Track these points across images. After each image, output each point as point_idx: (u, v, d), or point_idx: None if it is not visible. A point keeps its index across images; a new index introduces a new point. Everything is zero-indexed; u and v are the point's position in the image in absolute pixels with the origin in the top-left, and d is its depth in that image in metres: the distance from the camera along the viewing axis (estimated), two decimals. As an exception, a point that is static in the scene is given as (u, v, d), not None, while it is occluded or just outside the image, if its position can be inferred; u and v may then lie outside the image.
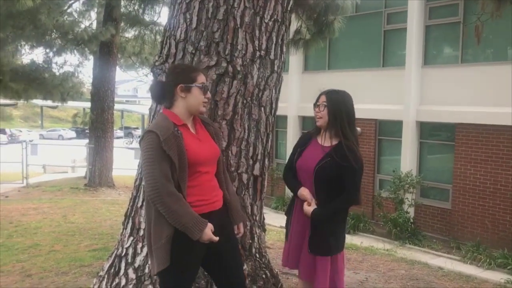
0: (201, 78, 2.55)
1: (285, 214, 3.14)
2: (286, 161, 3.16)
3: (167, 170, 2.34)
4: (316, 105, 2.94)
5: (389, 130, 12.27)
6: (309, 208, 2.84)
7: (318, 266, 2.87)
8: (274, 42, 3.49)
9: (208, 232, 2.39)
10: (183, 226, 2.33)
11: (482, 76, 10.16)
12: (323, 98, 2.90)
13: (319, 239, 2.86)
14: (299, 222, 2.97)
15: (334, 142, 2.88)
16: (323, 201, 2.84)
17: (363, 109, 12.04)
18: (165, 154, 2.34)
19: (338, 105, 2.86)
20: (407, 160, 11.44)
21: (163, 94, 2.57)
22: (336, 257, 2.93)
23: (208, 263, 2.63)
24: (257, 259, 3.59)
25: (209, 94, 2.59)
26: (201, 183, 2.51)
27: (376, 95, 12.11)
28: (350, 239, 8.98)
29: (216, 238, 2.42)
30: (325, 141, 2.92)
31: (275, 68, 3.55)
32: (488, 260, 8.54)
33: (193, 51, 3.29)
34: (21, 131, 42.30)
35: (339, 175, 2.81)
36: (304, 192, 2.88)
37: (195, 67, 2.84)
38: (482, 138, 10.17)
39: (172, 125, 2.45)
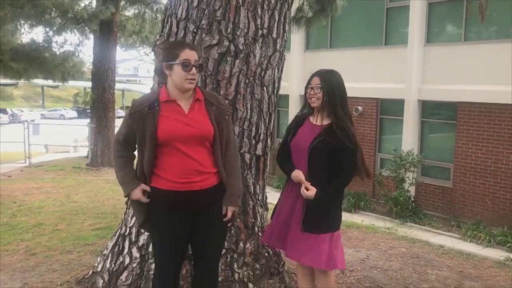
0: (184, 55, 2.49)
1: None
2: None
3: (125, 136, 2.60)
4: (308, 87, 2.91)
5: (390, 109, 12.23)
6: (311, 192, 2.79)
7: (314, 245, 2.83)
8: (277, 20, 3.46)
9: (137, 192, 2.58)
10: (118, 181, 2.66)
11: (485, 54, 10.07)
12: (317, 80, 2.88)
13: (315, 217, 2.84)
14: (288, 201, 2.97)
15: (327, 122, 2.90)
16: (316, 181, 2.83)
17: (364, 88, 12.01)
18: (129, 125, 2.56)
19: (332, 87, 2.86)
20: (409, 139, 11.43)
21: (160, 72, 2.61)
22: (333, 235, 2.90)
23: (196, 237, 2.66)
24: (260, 237, 3.62)
25: (193, 70, 2.49)
26: (175, 162, 2.51)
27: (378, 73, 12.04)
28: (351, 217, 9.05)
29: (145, 200, 2.58)
30: (318, 121, 2.93)
31: (278, 47, 3.52)
32: (488, 238, 8.60)
33: (195, 30, 3.26)
34: (22, 111, 42.20)
35: (333, 154, 2.82)
36: (297, 173, 2.86)
37: (180, 43, 2.77)
38: (484, 117, 10.14)
39: (153, 100, 2.54)
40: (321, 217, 2.86)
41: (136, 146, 2.60)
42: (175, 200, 2.53)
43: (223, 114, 2.66)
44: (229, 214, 2.69)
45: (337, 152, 2.81)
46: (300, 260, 2.96)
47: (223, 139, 2.65)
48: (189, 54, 2.50)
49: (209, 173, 2.58)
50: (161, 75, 2.66)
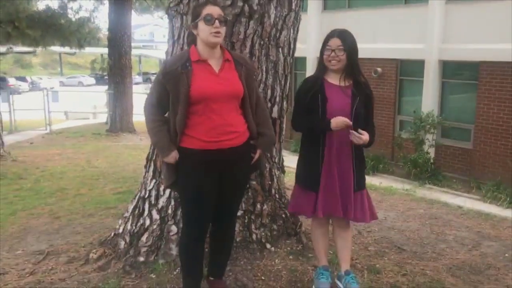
0: (206, 10, 2.53)
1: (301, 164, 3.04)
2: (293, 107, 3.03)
3: (159, 98, 2.61)
4: (327, 49, 2.84)
5: (410, 70, 12.00)
6: (366, 136, 2.77)
7: (362, 201, 2.94)
8: (292, -21, 3.37)
9: (174, 155, 2.59)
10: (154, 145, 2.73)
11: (509, 12, 9.72)
12: (337, 41, 2.81)
13: (360, 174, 2.94)
14: (334, 166, 2.87)
15: (350, 81, 2.90)
16: None
17: (384, 48, 11.78)
18: (163, 85, 2.57)
19: (353, 46, 2.85)
20: (429, 100, 11.25)
21: (190, 33, 2.70)
22: (366, 190, 3.03)
23: (219, 194, 2.71)
24: (277, 199, 3.65)
25: (217, 23, 2.51)
26: (210, 119, 2.54)
27: (398, 34, 11.77)
28: (369, 179, 9.00)
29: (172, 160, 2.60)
30: (342, 81, 2.88)
31: (293, 7, 3.44)
32: (508, 199, 8.53)
33: (208, -9, 3.19)
34: (41, 78, 42.59)
35: (366, 109, 2.92)
36: (341, 118, 2.75)
37: (202, 2, 2.74)
38: (506, 76, 9.89)
39: (185, 59, 2.57)
40: (362, 174, 2.97)
41: (170, 106, 2.61)
42: (204, 159, 2.58)
43: (251, 74, 2.73)
44: (257, 156, 2.79)
45: (367, 106, 2.93)
46: (358, 218, 2.95)
47: (253, 98, 2.72)
48: (211, 9, 2.54)
49: (238, 132, 2.63)
50: (190, 36, 2.73)
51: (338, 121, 2.76)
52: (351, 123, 2.76)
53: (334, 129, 2.78)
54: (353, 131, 2.76)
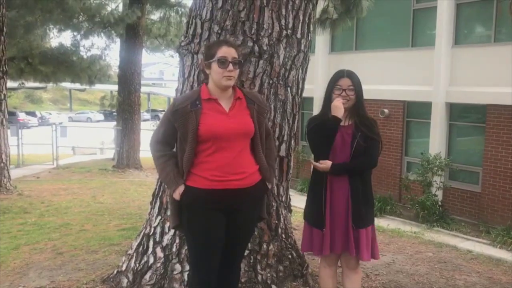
0: (221, 52, 2.52)
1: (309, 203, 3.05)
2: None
3: (165, 135, 2.60)
4: (338, 88, 2.88)
5: (417, 111, 12.03)
6: (326, 164, 2.83)
7: (362, 239, 2.86)
8: (301, 21, 3.43)
9: (177, 192, 2.53)
10: (161, 179, 2.68)
11: (515, 55, 9.81)
12: (348, 81, 2.88)
13: (361, 212, 2.86)
14: (335, 202, 2.89)
15: (351, 121, 2.93)
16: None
17: (391, 90, 11.86)
18: (171, 123, 2.56)
19: (360, 86, 2.91)
20: (436, 142, 11.22)
21: (202, 71, 2.71)
22: (373, 227, 2.96)
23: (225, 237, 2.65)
24: (283, 239, 3.59)
25: (231, 67, 2.51)
26: (218, 158, 2.51)
27: (405, 76, 11.87)
28: (377, 221, 8.86)
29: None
30: (345, 121, 2.93)
31: (302, 47, 3.49)
32: (518, 244, 8.35)
33: (219, 31, 3.26)
34: (50, 113, 43.19)
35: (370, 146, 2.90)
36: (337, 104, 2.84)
37: (219, 42, 2.80)
38: (514, 120, 9.88)
39: (195, 98, 2.56)
40: (363, 210, 2.88)
41: (177, 144, 2.59)
42: (211, 199, 2.52)
43: (263, 112, 2.71)
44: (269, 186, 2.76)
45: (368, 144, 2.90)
46: (361, 256, 2.90)
47: (263, 136, 2.70)
48: (226, 51, 2.53)
49: (247, 172, 2.57)
50: (202, 74, 2.72)
51: (336, 106, 2.83)
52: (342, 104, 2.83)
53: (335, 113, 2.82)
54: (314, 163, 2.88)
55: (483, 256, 5.63)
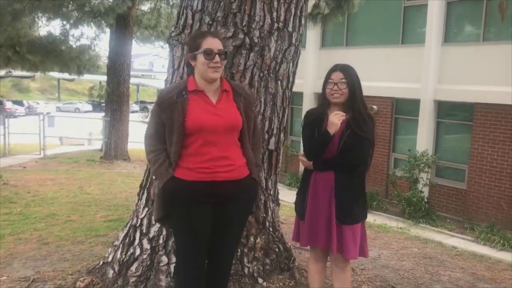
0: (207, 43, 2.48)
1: (297, 194, 3.04)
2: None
3: (156, 128, 2.56)
4: (330, 82, 2.85)
5: (406, 108, 12.12)
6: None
7: (347, 236, 2.81)
8: (293, 14, 3.42)
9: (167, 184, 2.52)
10: (153, 173, 2.65)
11: (503, 54, 9.90)
12: (340, 74, 2.83)
13: (346, 208, 2.81)
14: (319, 196, 2.88)
15: (346, 116, 2.86)
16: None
17: (380, 87, 11.90)
18: (158, 115, 2.53)
19: (354, 81, 2.85)
20: (424, 139, 11.31)
21: (187, 63, 2.62)
22: (363, 224, 2.92)
23: (214, 230, 2.62)
24: (271, 232, 3.59)
25: (217, 58, 2.47)
26: (203, 150, 2.48)
27: (394, 73, 11.93)
28: (363, 217, 8.97)
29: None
30: None
31: (293, 41, 3.48)
32: (502, 241, 8.47)
33: (210, 22, 3.23)
34: (38, 103, 42.64)
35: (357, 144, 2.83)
36: (335, 118, 2.78)
37: (203, 33, 2.75)
38: (501, 119, 9.99)
39: (181, 88, 2.52)
40: (349, 207, 2.82)
41: (166, 136, 2.56)
42: (197, 191, 2.49)
43: (250, 105, 2.67)
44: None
45: (359, 142, 2.84)
46: (346, 253, 2.85)
47: (251, 129, 2.66)
48: (211, 43, 2.49)
49: (234, 165, 2.54)
50: (188, 67, 2.65)
51: (332, 122, 2.77)
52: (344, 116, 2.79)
53: (334, 121, 2.78)
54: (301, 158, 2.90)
55: (467, 253, 5.71)
